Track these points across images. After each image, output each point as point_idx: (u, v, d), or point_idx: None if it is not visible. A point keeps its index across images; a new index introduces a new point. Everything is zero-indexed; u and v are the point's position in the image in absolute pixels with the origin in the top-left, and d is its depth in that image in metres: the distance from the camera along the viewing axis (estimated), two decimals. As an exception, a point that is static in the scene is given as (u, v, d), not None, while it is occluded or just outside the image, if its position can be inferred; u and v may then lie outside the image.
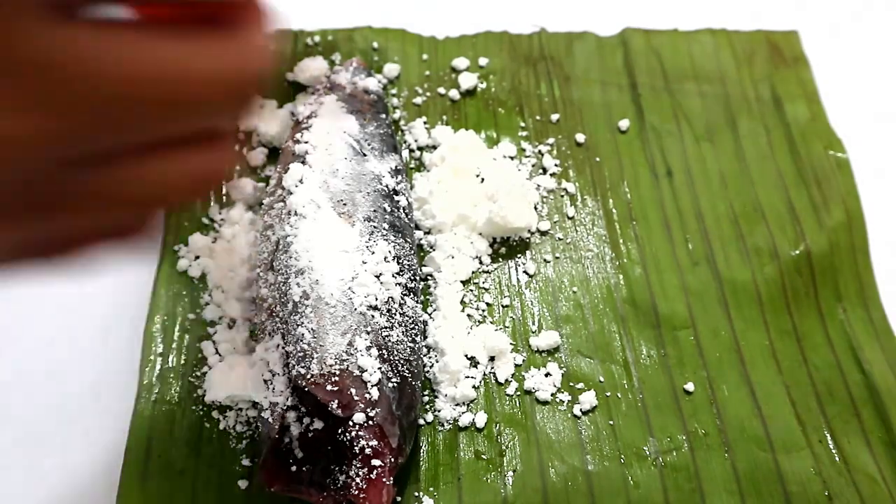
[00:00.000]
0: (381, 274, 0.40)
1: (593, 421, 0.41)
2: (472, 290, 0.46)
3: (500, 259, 0.47)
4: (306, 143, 0.45)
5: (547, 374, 0.42)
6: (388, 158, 0.46)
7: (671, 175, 0.51)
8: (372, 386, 0.36)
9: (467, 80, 0.54)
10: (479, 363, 0.43)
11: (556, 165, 0.51)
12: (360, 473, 0.35)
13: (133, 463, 0.39)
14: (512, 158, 0.51)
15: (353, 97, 0.48)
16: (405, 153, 0.51)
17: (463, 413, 0.41)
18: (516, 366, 0.43)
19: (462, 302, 0.45)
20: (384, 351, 0.38)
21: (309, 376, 0.36)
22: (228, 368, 0.40)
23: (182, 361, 0.43)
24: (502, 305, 0.45)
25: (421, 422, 0.41)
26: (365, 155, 0.45)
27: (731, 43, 0.57)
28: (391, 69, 0.55)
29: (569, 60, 0.56)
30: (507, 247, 0.47)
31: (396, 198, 0.44)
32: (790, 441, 0.41)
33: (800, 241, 0.48)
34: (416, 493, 0.39)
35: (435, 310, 0.44)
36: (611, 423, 0.41)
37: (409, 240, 0.43)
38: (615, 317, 0.45)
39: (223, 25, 0.22)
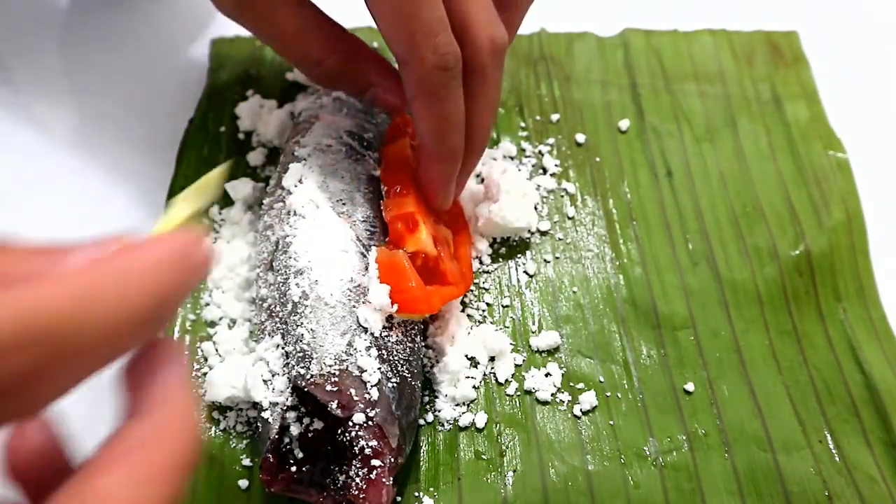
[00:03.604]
0: (380, 274, 0.40)
1: (593, 421, 0.41)
2: (472, 290, 0.45)
3: (500, 259, 0.47)
4: (306, 143, 0.45)
5: (547, 375, 0.42)
6: (387, 158, 0.46)
7: (671, 175, 0.51)
8: (371, 386, 0.36)
9: (467, 81, 0.54)
10: (479, 363, 0.43)
11: (556, 165, 0.51)
12: (360, 473, 0.35)
13: (133, 463, 0.39)
14: (512, 158, 0.51)
15: (353, 97, 0.48)
16: (405, 153, 0.51)
17: (463, 413, 0.41)
18: (516, 366, 0.43)
19: (462, 302, 0.45)
20: (384, 351, 0.38)
21: (309, 376, 0.36)
22: (228, 369, 0.40)
23: (182, 361, 0.43)
24: (502, 305, 0.45)
25: (421, 422, 0.41)
26: (364, 155, 0.45)
27: (731, 43, 0.58)
28: (391, 69, 0.55)
29: (569, 60, 0.56)
30: (507, 247, 0.47)
31: (396, 198, 0.44)
32: (790, 441, 0.41)
33: (800, 241, 0.48)
34: (416, 493, 0.39)
35: (435, 310, 0.44)
36: (611, 423, 0.41)
37: (408, 240, 0.43)
38: (615, 317, 0.45)
39: None
